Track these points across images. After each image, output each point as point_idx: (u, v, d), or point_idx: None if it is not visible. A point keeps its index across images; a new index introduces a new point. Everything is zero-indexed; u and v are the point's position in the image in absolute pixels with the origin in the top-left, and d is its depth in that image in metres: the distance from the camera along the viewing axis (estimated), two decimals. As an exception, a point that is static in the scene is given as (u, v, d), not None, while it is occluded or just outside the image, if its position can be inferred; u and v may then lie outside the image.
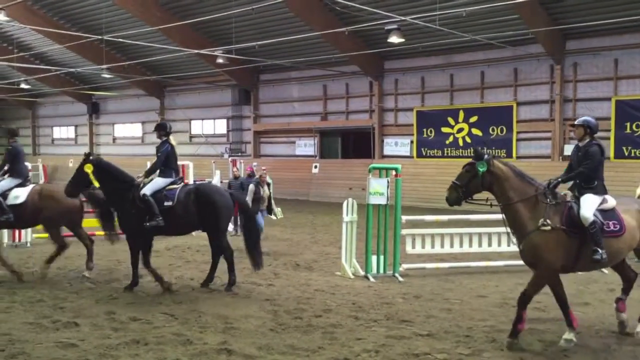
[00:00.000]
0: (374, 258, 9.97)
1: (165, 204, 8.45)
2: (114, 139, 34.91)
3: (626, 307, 6.79)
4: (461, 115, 22.22)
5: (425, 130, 23.16)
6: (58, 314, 7.42)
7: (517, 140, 21.04)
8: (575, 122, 6.61)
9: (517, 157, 20.84)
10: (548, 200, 6.22)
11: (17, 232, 12.78)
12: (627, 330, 6.69)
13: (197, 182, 9.67)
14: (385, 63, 23.91)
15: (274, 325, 7.00)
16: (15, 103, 38.02)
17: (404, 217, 10.29)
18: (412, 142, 23.50)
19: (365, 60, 23.08)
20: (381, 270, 9.96)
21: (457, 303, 8.15)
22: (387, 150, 24.29)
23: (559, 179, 6.43)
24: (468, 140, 22.07)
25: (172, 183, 8.78)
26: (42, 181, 17.12)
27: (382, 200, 9.88)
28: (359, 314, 7.53)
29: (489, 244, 10.57)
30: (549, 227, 6.07)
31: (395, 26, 17.71)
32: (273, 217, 12.96)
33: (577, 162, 6.51)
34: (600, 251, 6.04)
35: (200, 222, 8.68)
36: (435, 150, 22.94)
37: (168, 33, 22.87)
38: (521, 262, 6.73)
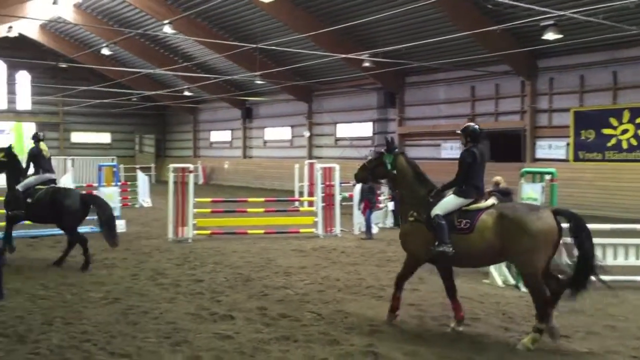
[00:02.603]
0: (526, 267, 9.44)
1: (28, 200, 10.66)
2: (265, 142, 36.63)
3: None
4: (626, 115, 20.34)
5: (583, 131, 21.53)
6: (215, 306, 7.92)
7: (694, 142, 18.83)
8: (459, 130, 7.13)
9: (694, 161, 18.67)
10: (429, 198, 6.90)
11: (179, 228, 13.81)
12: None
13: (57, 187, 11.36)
14: (539, 61, 22.60)
15: (420, 331, 6.91)
16: (179, 109, 41.38)
17: (560, 225, 9.64)
18: (568, 144, 22.00)
19: (516, 59, 22.00)
20: (534, 281, 9.41)
21: (622, 320, 7.47)
22: (540, 153, 22.93)
23: (441, 185, 7.10)
24: (634, 142, 20.13)
25: (43, 183, 10.85)
26: (201, 181, 18.50)
27: (536, 207, 9.33)
28: (509, 325, 7.19)
29: (660, 258, 9.56)
30: (412, 219, 6.96)
31: (551, 22, 16.69)
32: None
33: None
34: (441, 244, 6.54)
35: (53, 219, 10.70)
36: (595, 154, 21.24)
37: (316, 39, 23.54)
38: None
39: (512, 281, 9.43)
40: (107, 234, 10.43)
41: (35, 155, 11.17)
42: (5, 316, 7.35)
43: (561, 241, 6.57)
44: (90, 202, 10.75)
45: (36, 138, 11.56)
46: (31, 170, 11.17)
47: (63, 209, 10.42)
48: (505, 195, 10.88)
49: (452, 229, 6.63)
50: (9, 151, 11.26)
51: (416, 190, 7.06)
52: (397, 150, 7.30)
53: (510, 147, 24.15)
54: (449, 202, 6.81)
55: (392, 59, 22.42)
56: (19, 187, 10.81)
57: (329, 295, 8.63)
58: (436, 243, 6.61)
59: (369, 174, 7.54)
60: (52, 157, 11.66)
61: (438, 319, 7.38)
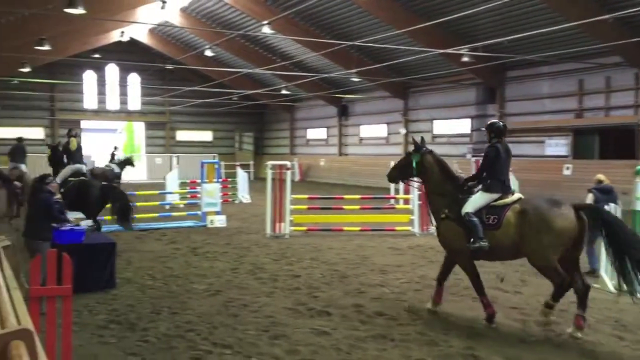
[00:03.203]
0: (641, 272, 8.79)
1: (61, 190, 11.70)
2: (361, 140, 36.61)
3: (583, 323, 6.53)
4: None
5: None
6: (312, 302, 8.01)
7: None
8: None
9: None
10: (457, 194, 7.11)
11: (277, 224, 14.10)
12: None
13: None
14: (655, 51, 21.01)
15: (523, 335, 6.62)
16: (276, 108, 42.30)
17: (681, 228, 8.91)
18: (689, 140, 20.30)
19: (630, 50, 20.51)
20: (650, 287, 8.75)
21: None
22: (656, 150, 21.31)
23: (465, 178, 7.35)
24: None
25: (74, 175, 12.45)
26: (298, 178, 18.86)
27: (653, 207, 8.68)
28: (623, 333, 6.73)
29: None
30: (444, 216, 7.12)
31: (670, 8, 15.41)
32: None
33: None
34: (476, 241, 6.68)
35: (78, 206, 11.88)
36: None
37: (413, 35, 23.20)
38: None
39: (625, 287, 8.81)
40: (120, 220, 11.80)
41: (67, 149, 13.15)
42: (118, 304, 7.84)
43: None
44: (108, 192, 12.03)
45: (69, 134, 13.21)
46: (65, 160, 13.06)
47: (87, 198, 11.90)
48: (607, 193, 10.21)
49: (481, 225, 6.82)
50: (53, 148, 14.03)
51: (445, 188, 7.29)
52: (425, 149, 7.53)
53: (623, 143, 22.62)
54: (478, 198, 7.00)
55: (493, 53, 21.65)
56: (57, 179, 12.32)
57: (426, 295, 8.46)
58: (471, 240, 6.76)
59: (398, 174, 7.87)
60: (81, 148, 13.26)
61: (543, 324, 7.03)
